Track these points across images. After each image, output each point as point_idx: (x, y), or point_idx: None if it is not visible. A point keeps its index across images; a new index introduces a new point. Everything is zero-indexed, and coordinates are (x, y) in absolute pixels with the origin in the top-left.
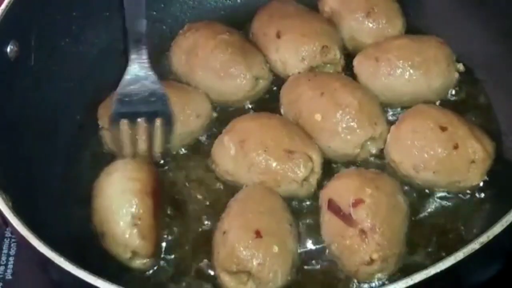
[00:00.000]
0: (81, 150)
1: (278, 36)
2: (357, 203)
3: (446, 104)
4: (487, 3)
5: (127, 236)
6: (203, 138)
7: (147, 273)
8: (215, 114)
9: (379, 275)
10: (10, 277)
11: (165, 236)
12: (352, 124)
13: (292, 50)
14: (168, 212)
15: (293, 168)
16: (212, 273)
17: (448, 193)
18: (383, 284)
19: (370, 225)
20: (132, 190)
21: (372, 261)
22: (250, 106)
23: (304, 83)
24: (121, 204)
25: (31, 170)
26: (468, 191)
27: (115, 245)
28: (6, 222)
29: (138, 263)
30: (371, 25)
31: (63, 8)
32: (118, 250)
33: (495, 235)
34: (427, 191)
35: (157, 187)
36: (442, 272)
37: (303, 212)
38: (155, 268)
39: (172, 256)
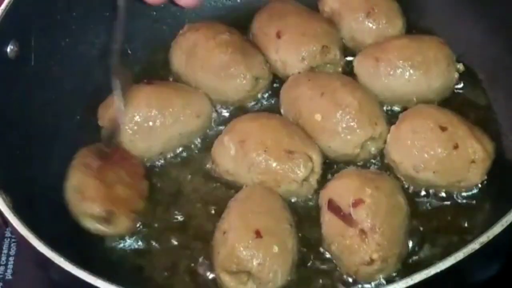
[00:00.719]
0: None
1: (278, 36)
2: (357, 203)
3: (446, 104)
4: (487, 3)
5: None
6: (203, 138)
7: (145, 272)
8: (215, 114)
9: (379, 275)
10: (10, 277)
11: (165, 235)
12: (352, 124)
13: (292, 50)
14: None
15: (293, 168)
16: (211, 273)
17: (448, 193)
18: (383, 284)
19: (370, 225)
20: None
21: (372, 261)
22: (250, 106)
23: (304, 83)
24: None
25: (31, 170)
26: (468, 191)
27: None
28: (6, 222)
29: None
30: (371, 25)
31: (63, 8)
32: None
33: (495, 235)
34: (427, 191)
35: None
36: (442, 272)
37: (303, 212)
38: (152, 266)
39: (172, 256)
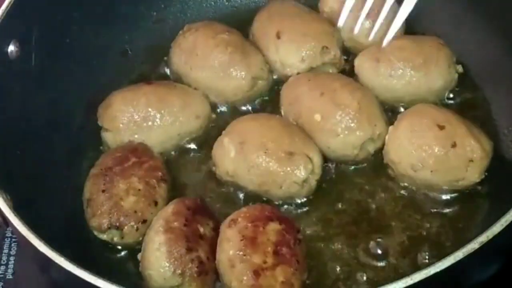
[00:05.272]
0: (81, 150)
1: (278, 36)
2: None
3: (445, 104)
4: (486, 4)
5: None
6: (202, 139)
7: None
8: (214, 115)
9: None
10: (10, 277)
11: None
12: (351, 124)
13: (292, 50)
14: None
15: (294, 170)
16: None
17: (447, 192)
18: (383, 284)
19: None
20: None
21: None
22: (250, 107)
23: (304, 83)
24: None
25: (31, 170)
26: (467, 190)
27: None
28: (7, 222)
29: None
30: (370, 25)
31: (63, 8)
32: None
33: (494, 235)
34: (426, 190)
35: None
36: (441, 271)
37: (302, 211)
38: None
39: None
